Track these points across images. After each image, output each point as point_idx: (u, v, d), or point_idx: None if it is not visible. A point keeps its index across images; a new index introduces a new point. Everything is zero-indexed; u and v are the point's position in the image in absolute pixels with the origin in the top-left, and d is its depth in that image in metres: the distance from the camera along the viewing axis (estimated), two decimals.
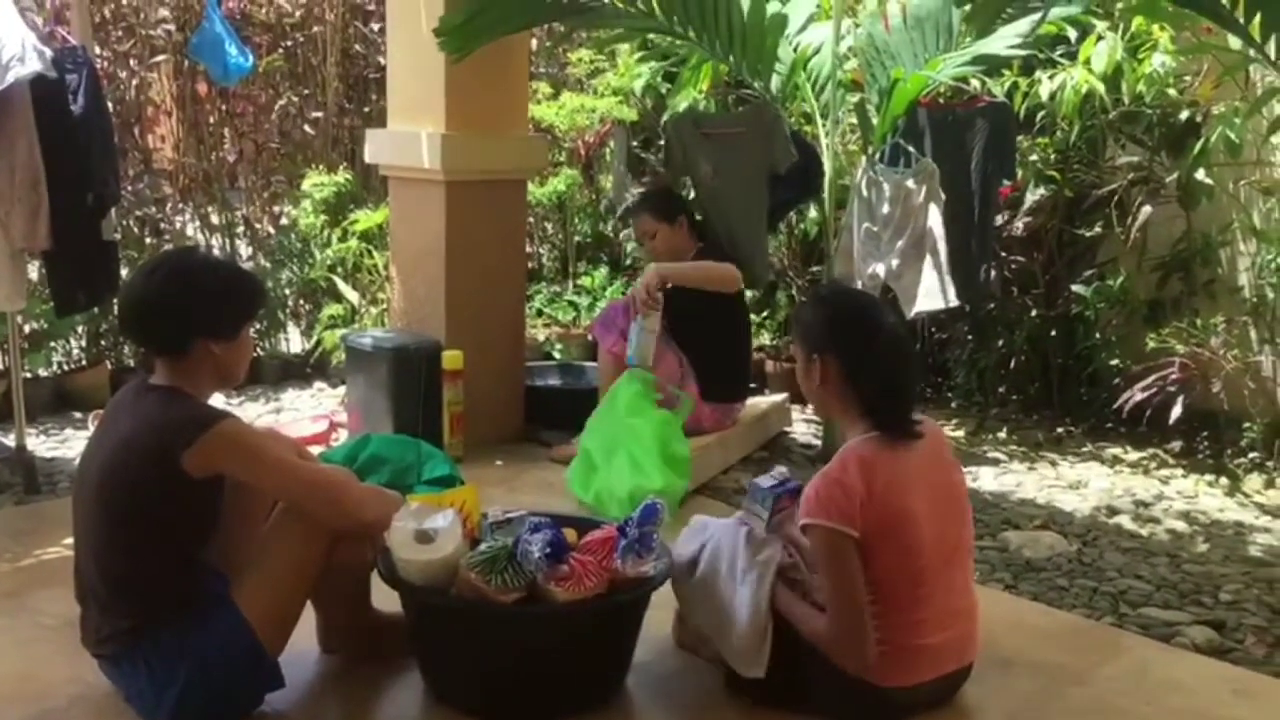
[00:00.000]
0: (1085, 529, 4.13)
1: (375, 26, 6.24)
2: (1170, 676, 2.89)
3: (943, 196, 4.51)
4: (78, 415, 5.08)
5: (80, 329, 5.47)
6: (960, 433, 5.30)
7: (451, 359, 4.48)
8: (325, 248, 5.85)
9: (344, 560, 2.59)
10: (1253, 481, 4.65)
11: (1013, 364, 5.56)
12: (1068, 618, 3.31)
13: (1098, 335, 5.23)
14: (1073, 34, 4.65)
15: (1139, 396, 4.77)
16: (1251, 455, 4.80)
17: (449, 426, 4.48)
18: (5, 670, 2.73)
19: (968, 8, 4.45)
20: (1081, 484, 4.65)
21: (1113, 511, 4.33)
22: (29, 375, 5.06)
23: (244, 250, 6.32)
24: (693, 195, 5.05)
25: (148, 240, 5.81)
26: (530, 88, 5.64)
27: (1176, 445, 5.00)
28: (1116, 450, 5.07)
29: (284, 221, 6.28)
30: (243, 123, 6.33)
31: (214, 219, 6.19)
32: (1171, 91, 4.86)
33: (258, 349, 5.84)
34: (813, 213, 5.68)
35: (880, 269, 4.64)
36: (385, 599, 2.70)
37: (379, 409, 4.50)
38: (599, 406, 4.30)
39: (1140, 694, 2.78)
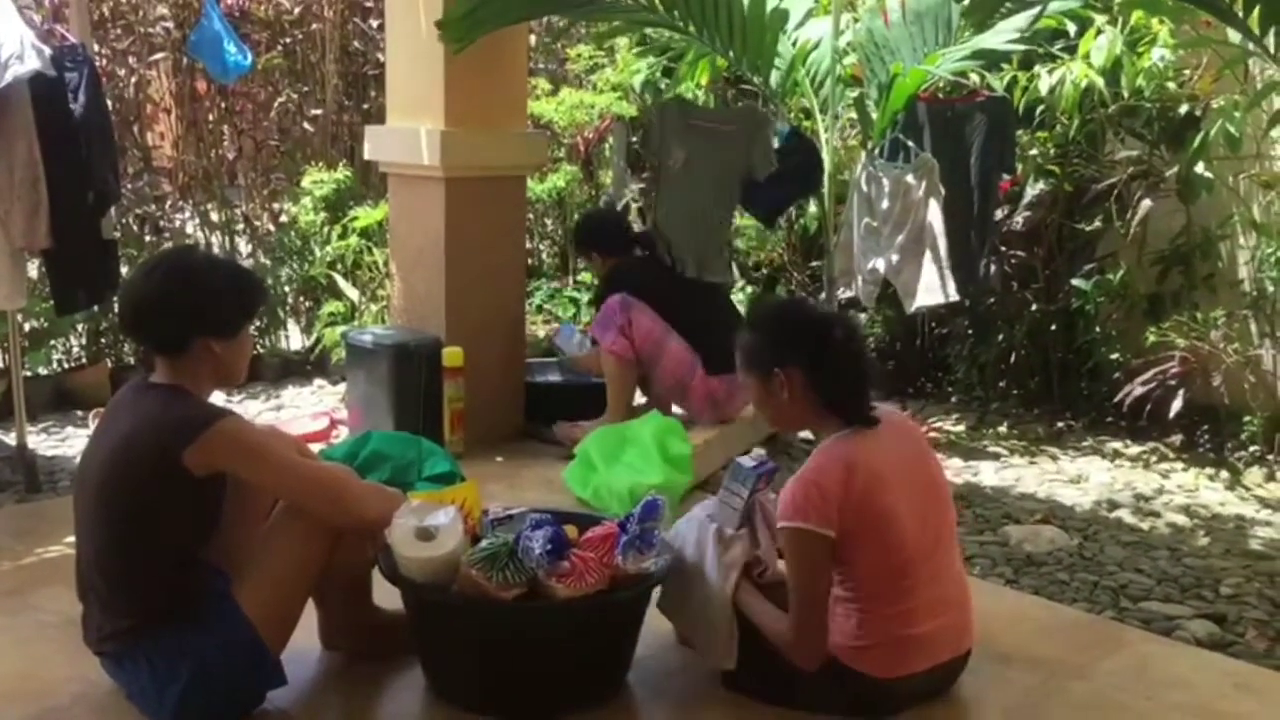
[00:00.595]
0: (1086, 523, 4.13)
1: (374, 23, 6.24)
2: (1171, 671, 2.89)
3: (942, 191, 4.51)
4: (78, 413, 5.08)
5: (80, 327, 5.47)
6: (961, 427, 5.31)
7: (452, 356, 4.48)
8: (325, 245, 5.86)
9: (345, 558, 2.59)
10: (1253, 475, 4.65)
11: (1013, 359, 5.56)
12: (1068, 612, 3.31)
13: (1098, 329, 5.23)
14: (1072, 28, 4.65)
15: (1139, 390, 4.78)
16: (1252, 449, 4.80)
17: (449, 423, 4.48)
18: (7, 669, 2.73)
19: (966, 2, 4.45)
20: (1082, 478, 4.66)
21: (1113, 506, 4.33)
22: (29, 374, 5.07)
23: (244, 248, 6.32)
24: (649, 178, 5.07)
25: (147, 238, 5.81)
26: (529, 84, 5.64)
27: (1177, 439, 5.01)
28: (1117, 444, 5.07)
29: (284, 219, 6.28)
30: (242, 120, 6.33)
31: (213, 216, 6.19)
32: (1171, 85, 4.87)
33: (258, 346, 5.84)
34: (812, 208, 5.68)
35: (880, 264, 4.64)
36: (387, 596, 2.70)
37: (379, 406, 4.50)
38: (608, 424, 4.36)
39: (1141, 688, 2.78)
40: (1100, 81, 4.63)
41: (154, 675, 2.40)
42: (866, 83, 4.77)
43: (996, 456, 4.93)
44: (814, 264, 5.88)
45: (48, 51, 3.81)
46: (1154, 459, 4.89)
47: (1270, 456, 4.71)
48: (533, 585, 2.45)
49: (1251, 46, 3.59)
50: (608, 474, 4.03)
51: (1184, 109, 4.95)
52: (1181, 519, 4.21)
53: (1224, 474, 4.68)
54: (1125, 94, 4.82)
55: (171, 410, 2.39)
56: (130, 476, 2.35)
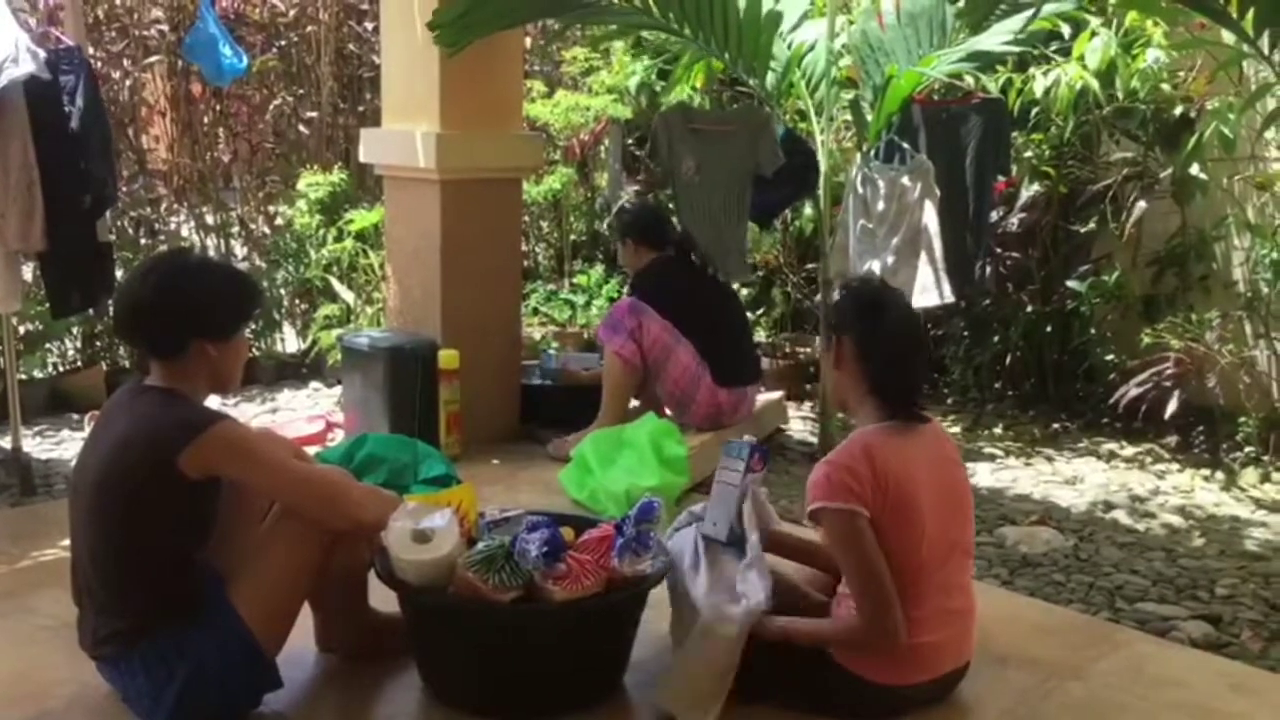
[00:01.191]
0: (1081, 524, 4.14)
1: (369, 26, 6.24)
2: (1166, 671, 2.89)
3: (938, 193, 4.52)
4: (73, 417, 5.08)
5: (75, 330, 5.46)
6: (957, 429, 5.31)
7: (447, 358, 4.48)
8: (320, 247, 5.85)
9: (341, 560, 2.59)
10: (1248, 476, 4.65)
11: (1008, 360, 5.57)
12: (1064, 613, 3.32)
13: (1093, 331, 5.24)
14: (1067, 30, 4.66)
15: (1134, 392, 4.78)
16: (1247, 450, 4.81)
17: (445, 426, 4.48)
18: (3, 672, 2.73)
19: (961, 4, 4.46)
20: (1078, 479, 4.66)
21: (1109, 507, 4.34)
22: (24, 377, 5.06)
23: (239, 250, 6.31)
24: (671, 190, 5.08)
25: (142, 241, 5.81)
26: (525, 86, 5.64)
27: (1172, 440, 5.01)
28: (1112, 445, 5.08)
29: (279, 221, 6.27)
30: (237, 123, 6.33)
31: (209, 219, 6.18)
32: (1165, 87, 4.87)
33: (253, 349, 5.84)
34: (808, 210, 5.68)
35: (876, 266, 4.64)
36: (383, 599, 2.70)
37: (375, 409, 4.50)
38: (602, 427, 4.36)
39: (1136, 689, 2.79)
40: (1095, 83, 4.64)
41: (150, 678, 2.40)
42: (862, 85, 4.78)
43: (992, 458, 4.93)
44: (810, 266, 5.89)
45: (43, 54, 3.81)
46: (1149, 460, 4.90)
47: (1265, 457, 4.72)
48: (529, 587, 2.45)
49: (1246, 48, 3.60)
50: (604, 476, 4.03)
51: (1179, 111, 4.96)
52: (1177, 520, 4.22)
53: (1219, 475, 4.69)
54: (1120, 96, 4.83)
55: (167, 414, 2.39)
56: (126, 480, 2.35)
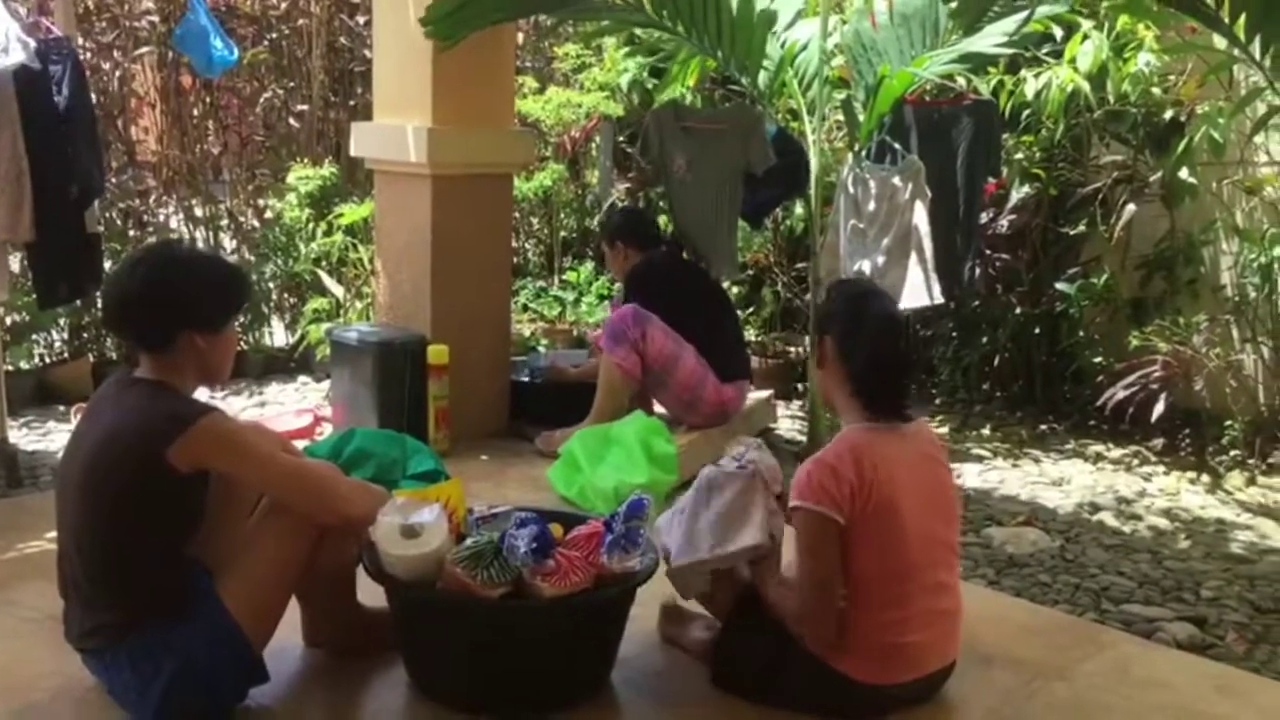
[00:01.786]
0: (1068, 525, 4.15)
1: (361, 20, 6.23)
2: (1151, 672, 2.90)
3: (928, 194, 4.53)
4: (60, 408, 5.05)
5: (62, 322, 5.44)
6: (944, 429, 5.32)
7: (437, 353, 4.47)
8: (310, 241, 5.84)
9: (329, 555, 2.58)
10: (1234, 479, 4.68)
11: (997, 361, 5.58)
12: (1050, 614, 3.33)
13: (1081, 333, 5.25)
14: (1059, 33, 4.67)
15: (1122, 394, 4.80)
16: (1233, 453, 4.83)
17: (434, 421, 4.47)
18: None
19: (954, 5, 4.46)
20: (1064, 481, 4.68)
21: (1095, 508, 4.36)
22: (11, 368, 5.04)
23: (228, 243, 6.29)
24: (662, 188, 5.09)
25: (131, 233, 5.78)
26: (517, 82, 5.63)
27: (1159, 443, 5.03)
28: (1099, 447, 5.09)
29: (268, 215, 6.26)
30: (227, 115, 6.31)
31: (198, 212, 6.16)
32: (1156, 91, 4.89)
33: (242, 343, 5.82)
34: (799, 209, 5.69)
35: (866, 266, 4.64)
36: (370, 594, 2.69)
37: (364, 403, 4.49)
38: (593, 425, 4.36)
39: (1121, 690, 2.80)
40: (1086, 86, 4.65)
41: (136, 671, 2.39)
42: (854, 84, 4.78)
43: (980, 459, 4.94)
44: (800, 265, 5.89)
45: (32, 44, 3.79)
46: (1136, 462, 4.92)
47: (1251, 460, 4.74)
48: (518, 584, 2.45)
49: (1236, 52, 3.61)
50: (593, 474, 4.03)
51: (1169, 114, 4.98)
52: (1163, 522, 4.24)
53: (1205, 478, 4.71)
54: (1111, 99, 4.85)
55: (156, 406, 2.38)
56: (114, 473, 2.34)
